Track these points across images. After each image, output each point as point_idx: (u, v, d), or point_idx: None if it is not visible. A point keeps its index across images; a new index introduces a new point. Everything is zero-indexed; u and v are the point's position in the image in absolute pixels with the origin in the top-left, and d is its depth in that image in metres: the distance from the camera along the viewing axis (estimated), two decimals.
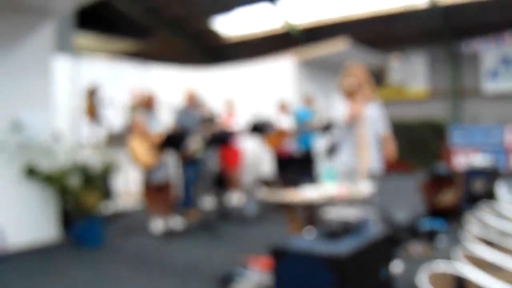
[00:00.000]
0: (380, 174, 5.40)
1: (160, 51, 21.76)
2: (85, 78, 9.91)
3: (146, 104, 7.13)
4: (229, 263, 5.21)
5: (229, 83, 11.93)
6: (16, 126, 6.18)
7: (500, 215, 5.59)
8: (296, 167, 4.52)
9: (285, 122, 9.61)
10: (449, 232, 5.95)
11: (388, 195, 4.95)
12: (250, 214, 8.11)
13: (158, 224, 7.09)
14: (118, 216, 8.16)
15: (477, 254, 3.94)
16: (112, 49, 20.29)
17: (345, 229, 3.38)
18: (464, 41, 16.40)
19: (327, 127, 9.52)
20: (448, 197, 6.76)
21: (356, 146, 5.30)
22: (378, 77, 18.95)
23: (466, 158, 13.44)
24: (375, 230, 3.51)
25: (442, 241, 5.58)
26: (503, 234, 4.79)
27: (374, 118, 5.41)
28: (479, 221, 5.49)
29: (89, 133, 9.67)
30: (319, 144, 9.97)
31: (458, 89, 17.98)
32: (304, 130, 9.57)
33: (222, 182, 9.59)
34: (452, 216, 6.73)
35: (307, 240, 3.33)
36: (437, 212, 6.78)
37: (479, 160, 8.59)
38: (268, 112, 9.59)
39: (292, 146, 9.97)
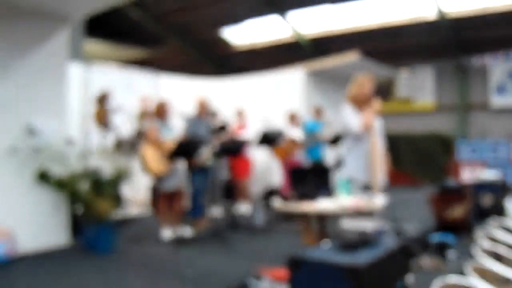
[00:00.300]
0: (385, 187, 5.46)
1: (170, 59, 21.91)
2: (95, 85, 10.02)
3: (158, 112, 7.20)
4: (240, 272, 5.25)
5: (239, 93, 12.01)
6: (30, 131, 6.27)
7: (509, 230, 5.64)
8: (311, 178, 4.56)
9: (295, 133, 9.67)
10: (458, 246, 5.98)
11: (396, 208, 5.00)
12: (259, 224, 8.17)
13: (167, 232, 7.16)
14: (128, 223, 8.22)
15: (486, 268, 4.00)
16: (121, 57, 20.45)
17: (362, 240, 3.43)
18: (472, 54, 16.48)
19: (336, 139, 9.60)
20: (457, 211, 6.80)
21: (367, 157, 5.37)
22: (385, 90, 19.04)
23: (473, 172, 13.48)
24: (390, 241, 3.57)
25: (452, 254, 5.62)
26: None
27: (379, 131, 5.50)
28: (488, 236, 5.54)
29: (98, 139, 9.78)
30: (329, 156, 10.04)
31: (466, 103, 18.03)
32: (313, 142, 9.64)
33: (231, 191, 9.66)
34: (461, 230, 6.77)
35: (323, 250, 3.38)
36: (446, 226, 6.82)
37: (487, 174, 8.63)
38: (278, 122, 9.64)
39: (300, 157, 10.05)
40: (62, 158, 6.44)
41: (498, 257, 4.67)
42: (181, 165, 7.29)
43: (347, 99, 5.54)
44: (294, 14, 17.77)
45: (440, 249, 5.73)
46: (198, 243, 6.79)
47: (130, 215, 8.76)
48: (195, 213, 8.19)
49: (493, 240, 5.43)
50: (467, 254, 5.44)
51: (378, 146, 5.46)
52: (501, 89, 16.99)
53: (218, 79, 13.01)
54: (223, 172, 9.54)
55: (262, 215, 8.49)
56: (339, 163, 8.88)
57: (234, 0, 17.22)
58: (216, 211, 8.68)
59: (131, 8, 16.24)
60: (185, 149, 6.62)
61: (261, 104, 11.31)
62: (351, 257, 3.16)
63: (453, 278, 3.59)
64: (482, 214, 7.59)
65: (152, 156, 6.87)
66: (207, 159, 8.02)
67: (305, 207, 4.37)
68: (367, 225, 3.57)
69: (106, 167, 6.84)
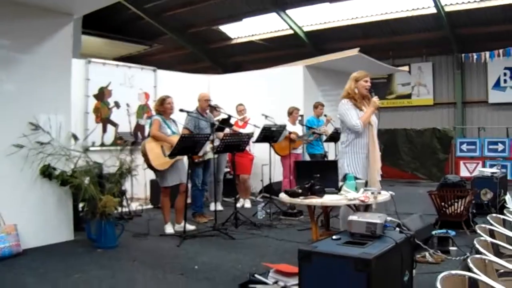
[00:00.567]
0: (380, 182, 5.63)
1: (168, 55, 21.98)
2: (94, 81, 10.11)
3: (161, 107, 7.30)
4: (244, 268, 5.39)
5: (238, 88, 12.11)
6: (35, 127, 6.36)
7: (510, 225, 5.78)
8: (318, 172, 4.68)
9: (295, 129, 9.79)
10: (459, 240, 6.12)
11: (396, 203, 5.12)
12: (260, 219, 8.30)
13: (170, 227, 7.28)
14: (132, 218, 8.34)
15: (488, 263, 4.13)
16: (117, 52, 20.50)
17: (370, 233, 3.57)
18: (470, 50, 16.58)
19: (335, 136, 9.73)
20: (458, 207, 6.94)
21: (367, 151, 5.52)
22: (384, 86, 19.16)
23: (473, 168, 13.65)
24: (395, 235, 3.70)
25: (453, 248, 5.76)
26: None
27: (376, 127, 5.66)
28: (489, 230, 5.68)
29: (98, 135, 9.88)
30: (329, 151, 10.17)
31: (465, 99, 18.15)
32: (314, 137, 9.76)
33: (233, 186, 9.79)
34: (462, 224, 6.92)
35: (332, 243, 3.51)
36: (447, 220, 6.97)
37: (488, 170, 8.79)
38: (277, 117, 9.74)
39: (301, 153, 10.18)
40: (67, 153, 6.55)
41: (499, 251, 4.81)
42: (183, 160, 7.40)
43: (345, 95, 5.68)
44: (293, 11, 17.82)
45: (442, 244, 5.88)
46: (200, 238, 6.91)
47: (135, 210, 8.88)
48: (196, 208, 8.34)
49: (494, 234, 5.57)
50: (468, 248, 5.58)
51: (376, 143, 5.62)
52: (499, 84, 17.14)
53: (217, 74, 13.15)
54: (223, 167, 9.68)
55: (263, 210, 8.64)
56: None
57: None
58: (217, 207, 8.79)
59: (127, 3, 16.25)
60: (188, 144, 6.71)
61: (261, 99, 11.41)
62: (360, 248, 3.30)
63: (453, 272, 3.71)
64: (482, 209, 7.77)
65: (154, 151, 6.98)
66: (208, 154, 8.16)
67: (314, 201, 4.50)
68: (373, 218, 3.70)
69: (108, 163, 6.95)
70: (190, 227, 7.28)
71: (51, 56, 6.63)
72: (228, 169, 10.73)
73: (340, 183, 4.91)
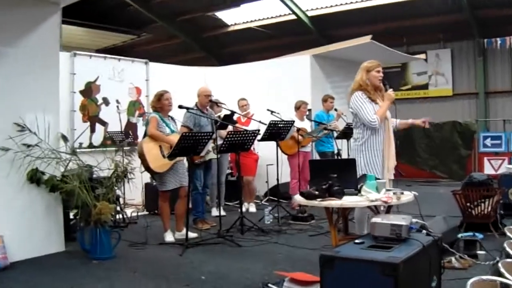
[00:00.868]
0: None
1: (157, 46, 22.06)
2: (80, 76, 10.24)
3: (158, 104, 7.42)
4: (254, 277, 5.52)
5: (239, 81, 12.25)
6: (21, 128, 6.45)
7: None
8: (335, 172, 4.81)
9: (304, 124, 9.91)
10: (487, 243, 6.25)
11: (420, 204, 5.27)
12: (268, 224, 8.45)
13: (171, 235, 7.41)
14: (127, 226, 8.46)
15: None
16: (102, 43, 20.60)
17: (395, 236, 3.72)
18: (494, 34, 16.70)
19: (347, 132, 9.86)
20: (485, 207, 7.07)
21: (383, 148, 5.69)
22: (398, 76, 19.29)
23: (498, 165, 13.78)
24: (423, 237, 3.85)
25: (481, 252, 5.89)
26: None
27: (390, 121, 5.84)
28: None
29: (86, 134, 10.00)
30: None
31: (488, 89, 18.25)
32: (324, 134, 9.89)
33: (235, 189, 9.93)
34: (489, 226, 7.05)
35: (355, 247, 3.66)
36: (473, 222, 7.11)
37: None
38: (283, 112, 9.86)
39: (308, 150, 10.31)
40: (57, 156, 6.67)
41: None
42: (183, 161, 7.53)
43: (357, 87, 5.83)
44: None
45: (468, 248, 6.02)
46: (204, 246, 7.05)
47: (131, 217, 9.00)
48: (197, 214, 8.47)
49: None
50: (497, 252, 5.72)
51: (392, 139, 5.78)
52: None
53: (211, 65, 13.25)
54: (226, 167, 9.82)
55: (270, 215, 8.79)
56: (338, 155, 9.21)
57: None
58: (220, 211, 8.93)
59: None
60: (189, 143, 6.81)
61: (263, 93, 11.55)
62: (386, 252, 3.44)
63: (483, 278, 3.85)
64: (510, 210, 7.91)
65: (152, 152, 7.10)
66: (210, 154, 8.28)
67: (334, 203, 4.64)
68: (398, 221, 3.84)
69: (100, 165, 7.07)
70: (192, 234, 7.41)
71: (38, 49, 6.72)
72: (229, 170, 10.90)
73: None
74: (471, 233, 6.24)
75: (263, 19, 19.86)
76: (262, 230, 7.89)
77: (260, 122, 8.92)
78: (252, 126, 9.53)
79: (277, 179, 9.17)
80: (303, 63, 11.81)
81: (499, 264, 4.71)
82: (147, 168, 7.12)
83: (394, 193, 4.75)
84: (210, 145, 7.61)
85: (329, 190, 4.65)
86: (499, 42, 14.17)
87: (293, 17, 18.86)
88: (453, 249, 5.69)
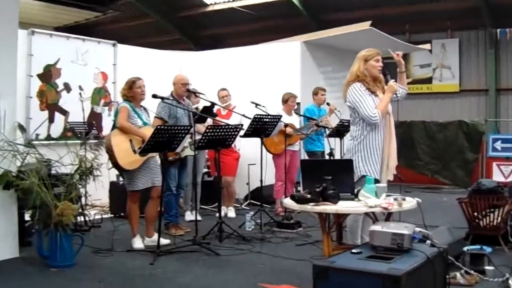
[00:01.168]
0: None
1: (125, 25, 22.00)
2: (38, 57, 10.21)
3: (129, 92, 7.47)
4: None
5: (219, 69, 12.30)
6: None
7: None
8: (330, 174, 4.92)
9: (292, 120, 10.01)
10: (496, 258, 6.38)
11: (418, 212, 5.40)
12: (249, 231, 8.54)
13: (140, 241, 7.47)
14: (89, 229, 8.47)
15: None
16: (61, 20, 20.49)
17: (396, 246, 3.83)
18: (508, 24, 16.91)
19: (340, 129, 9.98)
20: (495, 218, 7.21)
21: (383, 146, 5.84)
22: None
23: (509, 171, 13.94)
24: (427, 248, 3.98)
25: (489, 267, 6.02)
26: None
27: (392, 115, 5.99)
28: None
29: (44, 125, 9.98)
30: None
31: (499, 85, 18.45)
32: (314, 131, 10.01)
33: (212, 191, 10.01)
34: (499, 239, 7.20)
35: (352, 257, 3.77)
36: (480, 234, 7.24)
37: None
38: (267, 104, 9.92)
39: (296, 149, 10.42)
40: (14, 149, 6.68)
41: None
42: (156, 158, 7.58)
43: (353, 78, 5.95)
44: None
45: (475, 262, 6.15)
46: (178, 254, 7.11)
47: (95, 219, 9.03)
48: (169, 218, 8.53)
49: None
50: (507, 268, 5.87)
51: (394, 136, 5.92)
52: None
53: (187, 49, 13.29)
54: (202, 165, 9.89)
55: (251, 221, 8.88)
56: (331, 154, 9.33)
57: None
58: (196, 215, 9.02)
59: None
60: (164, 138, 6.86)
61: (247, 83, 11.62)
62: (387, 265, 3.55)
63: None
64: None
65: (121, 146, 7.14)
66: (186, 150, 8.35)
67: (328, 208, 4.75)
68: (400, 230, 3.96)
69: (62, 161, 7.10)
70: (164, 241, 7.46)
71: None
72: (206, 170, 10.96)
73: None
74: (478, 246, 6.35)
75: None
76: (243, 237, 7.97)
77: (243, 115, 8.97)
78: (233, 120, 9.60)
79: (261, 181, 9.24)
80: (293, 51, 11.89)
81: (510, 282, 4.88)
82: (115, 165, 7.16)
83: (395, 199, 4.86)
84: (187, 140, 7.67)
85: (323, 193, 4.76)
86: None
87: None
88: (458, 261, 5.81)
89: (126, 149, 7.17)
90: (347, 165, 5.34)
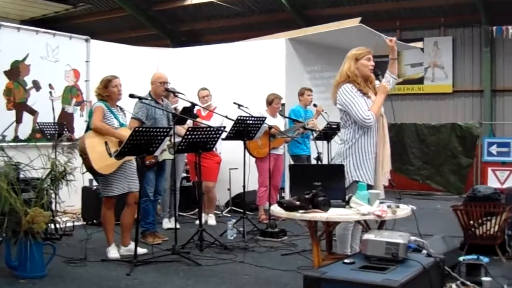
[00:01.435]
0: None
1: (97, 19, 21.95)
2: (5, 53, 10.17)
3: (105, 91, 7.47)
4: None
5: (198, 67, 12.32)
6: None
7: None
8: (320, 179, 4.97)
9: (277, 122, 10.06)
10: (493, 269, 6.44)
11: (411, 220, 5.47)
12: (231, 240, 8.58)
13: (115, 250, 7.48)
14: (60, 238, 8.43)
15: None
16: (28, 13, 20.38)
17: (391, 256, 3.89)
18: (504, 21, 17.03)
19: (329, 132, 10.04)
20: (491, 226, 7.29)
21: (376, 150, 5.92)
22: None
23: (505, 177, 14.06)
24: (422, 258, 4.04)
25: (486, 278, 6.09)
26: None
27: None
28: None
29: (12, 126, 9.95)
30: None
31: (495, 86, 18.59)
32: (300, 133, 10.07)
33: (192, 197, 10.03)
34: (496, 249, 7.28)
35: (345, 267, 3.82)
36: (477, 244, 7.32)
37: None
38: (251, 106, 9.95)
39: (280, 153, 10.47)
40: None
41: None
42: (132, 162, 7.59)
43: (344, 79, 6.01)
44: None
45: (471, 273, 6.22)
46: (156, 264, 7.12)
47: (67, 227, 9.00)
48: (146, 226, 8.54)
49: None
50: (505, 280, 5.96)
51: (387, 139, 6.00)
52: None
53: (164, 45, 13.28)
54: (181, 170, 9.92)
55: (233, 229, 8.91)
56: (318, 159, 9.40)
57: None
58: (173, 223, 9.05)
59: None
60: (141, 141, 6.87)
61: (228, 82, 11.65)
62: (381, 275, 3.61)
63: None
64: None
65: (96, 149, 7.14)
66: (165, 154, 8.37)
67: (319, 216, 4.79)
68: (395, 239, 4.02)
69: (32, 164, 7.08)
70: (141, 250, 7.46)
71: None
72: (184, 174, 10.98)
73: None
74: (474, 256, 6.41)
75: None
76: (225, 246, 8.00)
77: (226, 117, 9.01)
78: (214, 122, 9.63)
79: (244, 186, 9.26)
80: (277, 48, 11.91)
81: None
82: (90, 169, 7.15)
83: (388, 206, 4.92)
84: (166, 143, 7.68)
85: (313, 200, 4.80)
86: (510, 30, 14.44)
87: None
88: (455, 274, 5.88)
89: (101, 152, 7.16)
90: (338, 170, 5.39)
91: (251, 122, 8.97)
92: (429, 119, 17.02)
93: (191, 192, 10.81)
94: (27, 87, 10.45)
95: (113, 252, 7.44)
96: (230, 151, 10.35)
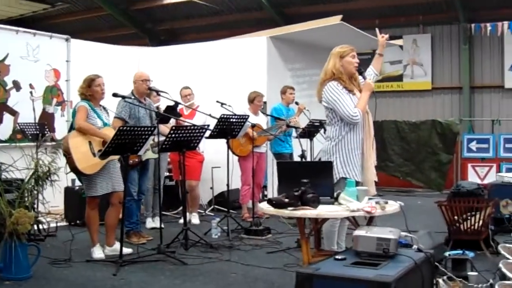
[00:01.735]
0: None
1: (75, 19, 21.83)
2: None
3: (90, 91, 7.42)
4: None
5: (179, 66, 12.31)
6: None
7: None
8: (307, 177, 4.98)
9: (259, 120, 10.07)
10: (477, 263, 6.49)
11: (395, 216, 5.49)
12: (216, 239, 8.57)
13: (100, 250, 7.44)
14: (44, 239, 8.38)
15: None
16: (5, 12, 20.23)
17: (382, 251, 3.90)
18: (483, 18, 17.16)
19: (311, 129, 10.05)
20: (476, 221, 7.34)
21: (362, 146, 5.96)
22: (367, 64, 19.63)
23: (484, 173, 14.18)
24: (413, 253, 4.06)
25: (472, 273, 6.13)
26: None
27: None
28: None
29: None
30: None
31: (473, 83, 18.72)
32: (282, 131, 10.09)
33: (175, 196, 10.01)
34: (481, 244, 7.34)
35: (337, 264, 3.83)
36: (461, 239, 7.37)
37: (509, 175, 9.29)
38: (232, 104, 9.96)
39: (263, 151, 10.49)
40: None
41: None
42: (116, 161, 7.55)
43: (329, 76, 6.03)
44: None
45: (457, 268, 6.26)
46: (142, 264, 7.10)
47: (52, 228, 8.93)
48: (130, 225, 8.51)
49: None
50: (490, 274, 6.01)
51: (373, 135, 6.04)
52: None
53: (143, 44, 13.23)
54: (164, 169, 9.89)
55: (218, 228, 8.91)
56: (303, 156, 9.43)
57: None
58: (157, 223, 9.03)
59: None
60: (125, 140, 6.83)
61: (209, 81, 11.65)
62: (374, 271, 3.62)
63: None
64: (502, 225, 8.24)
65: (80, 149, 7.10)
66: (148, 153, 8.35)
67: (309, 213, 4.80)
68: (386, 235, 4.03)
69: (15, 165, 7.04)
70: (126, 250, 7.42)
71: None
72: (167, 173, 10.95)
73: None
74: (460, 251, 6.47)
75: None
76: (210, 245, 8.00)
77: (210, 115, 9.00)
78: (196, 120, 9.61)
79: (228, 185, 9.27)
80: (258, 46, 11.97)
81: (496, 286, 4.99)
82: (74, 169, 7.11)
83: (377, 203, 4.94)
84: (150, 142, 7.65)
85: (302, 197, 4.81)
86: (488, 28, 14.50)
87: None
88: (443, 269, 5.91)
89: (85, 152, 7.12)
90: (326, 167, 5.40)
91: (234, 120, 8.98)
92: (408, 116, 17.10)
93: (174, 191, 10.77)
94: (7, 87, 10.38)
95: (98, 253, 7.41)
96: (212, 150, 10.36)
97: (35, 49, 10.80)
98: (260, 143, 10.24)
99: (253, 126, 9.50)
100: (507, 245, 6.40)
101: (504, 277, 5.39)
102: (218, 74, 11.83)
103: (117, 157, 7.37)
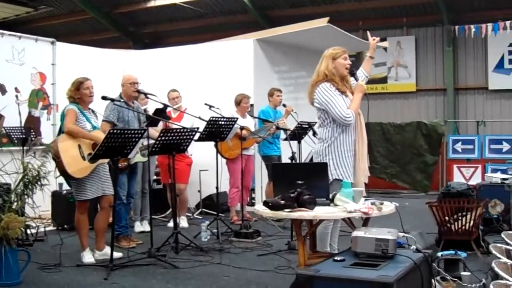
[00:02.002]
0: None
1: (59, 22, 21.74)
2: None
3: (78, 94, 7.38)
4: None
5: (165, 69, 12.27)
6: None
7: None
8: (304, 178, 4.97)
9: (246, 122, 10.06)
10: (469, 263, 6.51)
11: (384, 218, 5.50)
12: (206, 242, 8.54)
13: (90, 255, 7.39)
14: (32, 244, 8.31)
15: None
16: None
17: (381, 252, 3.90)
18: (467, 20, 17.26)
19: (299, 132, 10.05)
20: (466, 221, 7.37)
21: (355, 147, 5.97)
22: (352, 66, 19.66)
23: (470, 174, 14.24)
24: (411, 253, 4.06)
25: (465, 273, 6.15)
26: None
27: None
28: (506, 251, 6.17)
29: None
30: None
31: (457, 84, 18.81)
32: (270, 134, 10.09)
33: (163, 200, 9.98)
34: (472, 244, 7.36)
35: (337, 265, 3.82)
36: (452, 239, 7.40)
37: (497, 176, 9.35)
38: (222, 107, 9.95)
39: (251, 153, 10.48)
40: None
41: None
42: (105, 165, 7.51)
43: (322, 78, 6.04)
44: None
45: (450, 268, 6.28)
46: (133, 268, 7.07)
47: (40, 232, 8.86)
48: (120, 229, 8.46)
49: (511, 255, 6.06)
50: (482, 274, 6.03)
51: (365, 137, 6.06)
52: (502, 66, 17.80)
53: (126, 47, 13.18)
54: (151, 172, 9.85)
55: (207, 231, 8.88)
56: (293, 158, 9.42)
57: None
58: (146, 226, 8.98)
59: None
60: (116, 143, 6.80)
61: (195, 83, 11.62)
62: (375, 272, 3.61)
63: None
64: (491, 225, 8.30)
65: (70, 152, 7.05)
66: (136, 157, 8.31)
67: (306, 214, 4.79)
68: (384, 235, 4.03)
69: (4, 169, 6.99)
70: (116, 254, 7.38)
71: None
72: (155, 177, 10.91)
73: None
74: (452, 252, 6.49)
75: None
76: (201, 248, 7.97)
77: (199, 118, 8.97)
78: (184, 123, 9.58)
79: (217, 188, 9.23)
80: (245, 49, 11.93)
81: (491, 286, 5.01)
82: (63, 172, 7.07)
83: (372, 203, 4.94)
84: (139, 145, 7.62)
85: (298, 199, 4.80)
86: (472, 29, 14.55)
87: None
88: (438, 269, 5.93)
89: (75, 155, 7.08)
90: (320, 168, 5.39)
91: (223, 123, 8.95)
92: (393, 118, 17.18)
93: (162, 195, 10.72)
94: None
95: (88, 257, 7.35)
96: (200, 153, 10.33)
97: (20, 52, 10.73)
98: (248, 146, 10.22)
99: (242, 128, 9.49)
100: (498, 245, 6.44)
101: (497, 276, 5.41)
102: (205, 77, 11.79)
103: (106, 160, 7.33)
